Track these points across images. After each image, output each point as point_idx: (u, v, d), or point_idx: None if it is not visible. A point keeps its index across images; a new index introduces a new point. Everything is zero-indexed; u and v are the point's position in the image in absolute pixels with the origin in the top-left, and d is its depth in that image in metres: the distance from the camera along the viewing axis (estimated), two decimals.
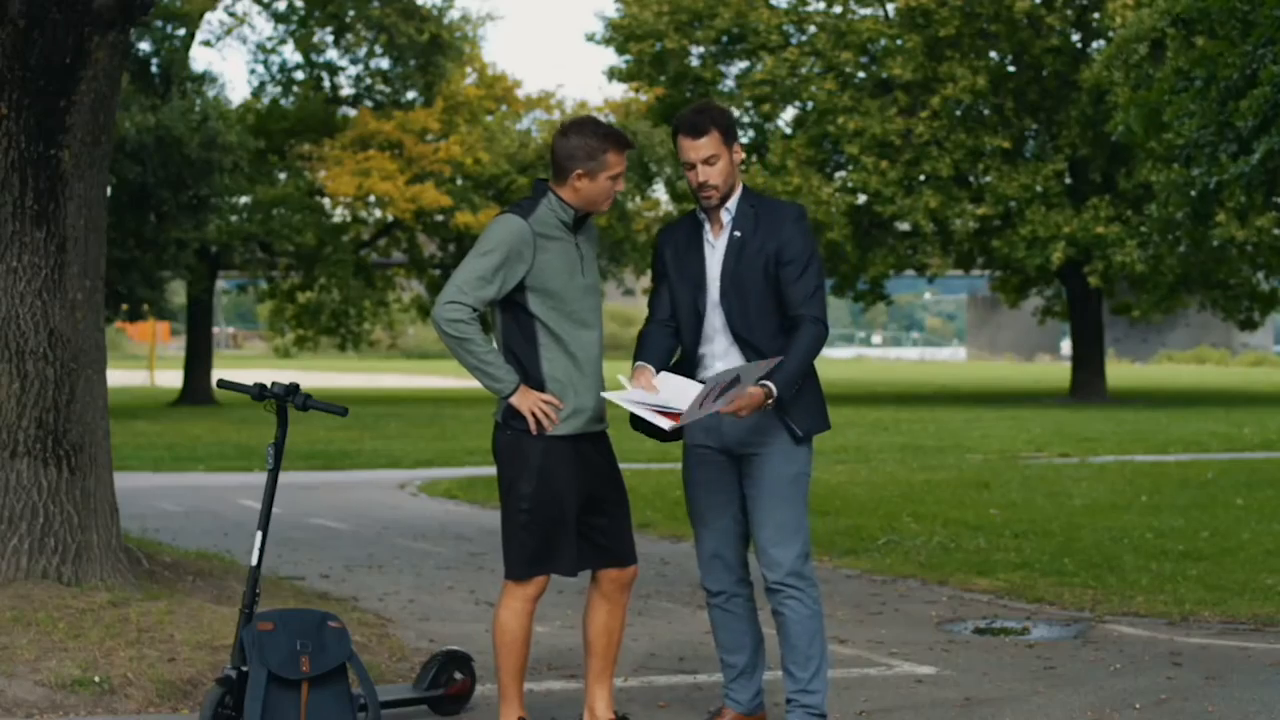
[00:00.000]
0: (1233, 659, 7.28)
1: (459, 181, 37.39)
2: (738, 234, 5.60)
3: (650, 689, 6.65)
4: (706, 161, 5.56)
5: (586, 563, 5.58)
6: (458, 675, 6.19)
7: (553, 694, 6.49)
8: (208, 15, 36.11)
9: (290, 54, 39.80)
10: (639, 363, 5.61)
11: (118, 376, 23.31)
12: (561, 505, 5.45)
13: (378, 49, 38.43)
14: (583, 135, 5.47)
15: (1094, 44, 37.38)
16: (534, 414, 5.39)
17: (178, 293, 41.57)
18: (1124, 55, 18.45)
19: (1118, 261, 34.87)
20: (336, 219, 38.67)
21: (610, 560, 5.61)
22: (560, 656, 7.17)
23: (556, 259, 5.45)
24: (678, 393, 5.44)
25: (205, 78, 36.13)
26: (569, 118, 5.32)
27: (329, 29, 38.32)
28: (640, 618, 8.16)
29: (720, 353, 5.62)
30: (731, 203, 5.64)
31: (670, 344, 5.67)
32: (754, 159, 38.22)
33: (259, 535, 5.58)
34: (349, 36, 38.30)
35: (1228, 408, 33.86)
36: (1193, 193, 13.83)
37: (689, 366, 5.67)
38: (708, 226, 5.67)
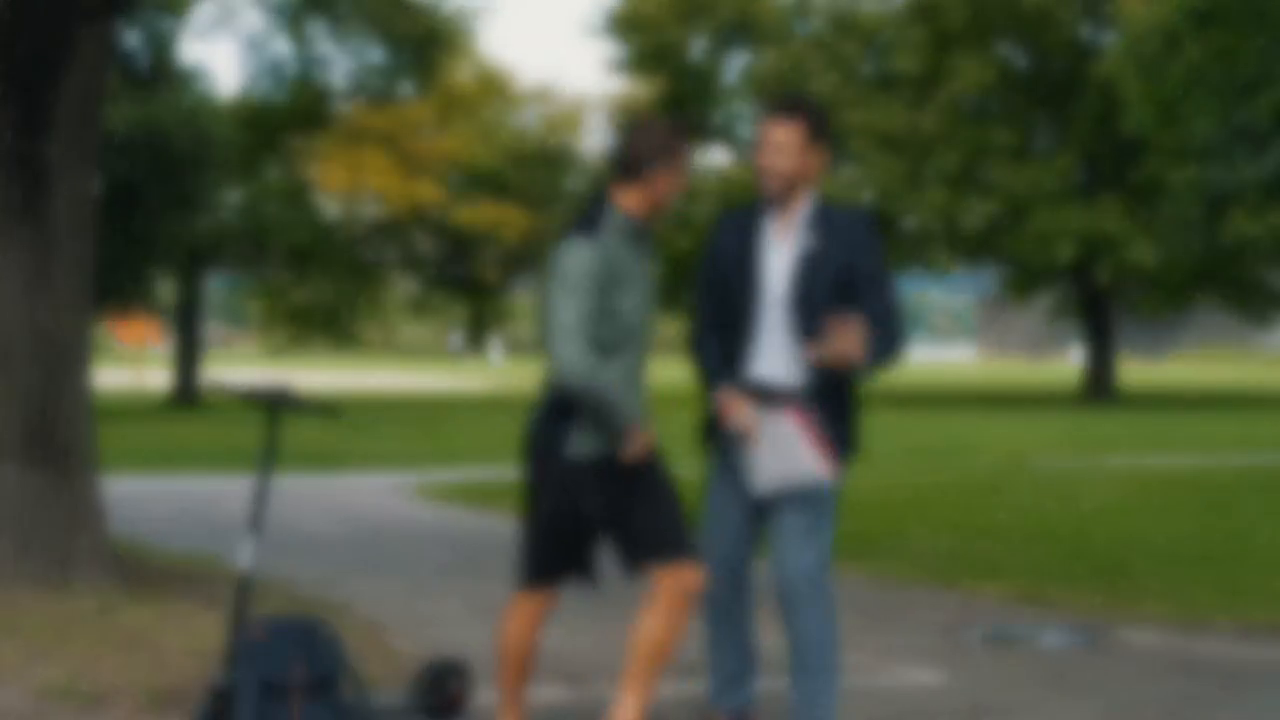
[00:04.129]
0: (1247, 666, 7.20)
1: (455, 177, 37.29)
2: (807, 240, 5.45)
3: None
4: (775, 146, 5.43)
5: (624, 566, 5.39)
6: (454, 683, 6.08)
7: (552, 703, 6.37)
8: (197, 7, 35.98)
9: (282, 46, 39.68)
10: (723, 385, 5.46)
11: (105, 377, 23.06)
12: (586, 523, 5.31)
13: (371, 41, 38.29)
14: (661, 132, 5.37)
15: (1105, 38, 37.20)
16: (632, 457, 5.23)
17: (166, 291, 41.44)
18: (1137, 51, 18.33)
19: (1129, 259, 34.69)
20: (329, 215, 38.53)
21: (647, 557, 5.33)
22: (562, 664, 7.04)
23: (624, 277, 5.29)
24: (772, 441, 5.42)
25: (195, 71, 36.04)
26: (641, 117, 5.30)
27: (321, 21, 38.18)
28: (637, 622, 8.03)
29: (765, 351, 5.46)
30: (804, 206, 5.49)
31: (727, 350, 5.53)
32: None
33: (250, 539, 5.50)
34: (342, 28, 38.15)
35: (1242, 408, 33.80)
36: (1207, 194, 13.75)
37: (729, 357, 5.50)
38: (774, 225, 5.52)
